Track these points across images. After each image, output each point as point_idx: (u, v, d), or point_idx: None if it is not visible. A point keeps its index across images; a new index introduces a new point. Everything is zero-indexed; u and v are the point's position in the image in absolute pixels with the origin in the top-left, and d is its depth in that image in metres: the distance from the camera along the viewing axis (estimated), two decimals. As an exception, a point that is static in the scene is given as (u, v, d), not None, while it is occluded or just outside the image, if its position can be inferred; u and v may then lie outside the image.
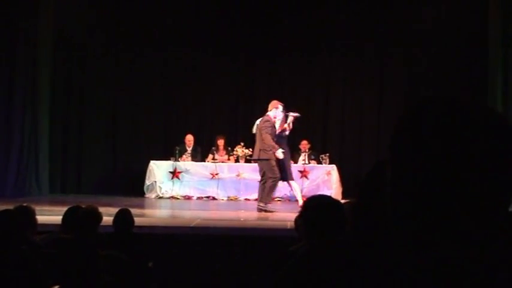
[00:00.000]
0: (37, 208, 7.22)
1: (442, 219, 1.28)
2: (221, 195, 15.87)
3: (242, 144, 16.41)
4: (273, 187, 13.20)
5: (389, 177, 1.36)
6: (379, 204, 2.00)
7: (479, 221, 1.27)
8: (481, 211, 1.27)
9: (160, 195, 15.88)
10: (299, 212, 4.13)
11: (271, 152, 12.95)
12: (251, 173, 15.88)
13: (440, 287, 1.26)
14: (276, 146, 12.90)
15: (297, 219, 4.62)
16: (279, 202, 15.48)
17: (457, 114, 1.30)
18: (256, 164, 16.02)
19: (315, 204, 4.06)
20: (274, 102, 13.32)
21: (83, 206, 6.92)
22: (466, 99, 1.35)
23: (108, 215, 7.99)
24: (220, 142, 16.78)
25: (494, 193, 1.28)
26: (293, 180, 13.64)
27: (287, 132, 13.36)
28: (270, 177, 13.05)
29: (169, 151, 16.53)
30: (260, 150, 13.09)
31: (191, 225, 10.83)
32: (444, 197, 1.27)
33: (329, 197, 4.39)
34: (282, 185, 15.63)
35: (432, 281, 1.27)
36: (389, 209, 1.36)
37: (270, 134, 12.97)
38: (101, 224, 6.99)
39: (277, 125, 13.11)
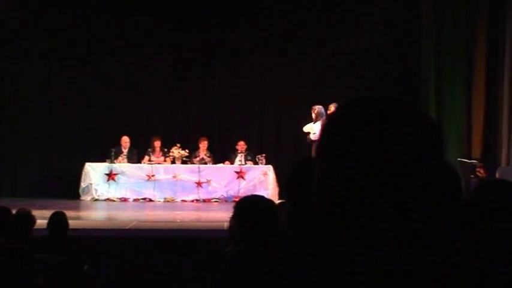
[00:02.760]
0: (-30, 212, 7.09)
1: (368, 219, 1.29)
2: (157, 196, 15.80)
3: (178, 145, 16.36)
4: None
5: (316, 176, 1.38)
6: (306, 202, 2.03)
7: (406, 221, 1.29)
8: (407, 212, 1.29)
9: (96, 198, 15.74)
10: (233, 212, 4.15)
11: None
12: (187, 174, 15.87)
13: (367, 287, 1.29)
14: None
15: (231, 220, 4.65)
16: (215, 203, 15.50)
17: (382, 114, 1.32)
18: (192, 166, 16.07)
19: (248, 205, 4.08)
20: None
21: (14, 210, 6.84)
22: (394, 98, 1.37)
23: (42, 218, 7.91)
24: (157, 143, 16.69)
25: (419, 193, 1.31)
26: None
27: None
28: None
29: (105, 153, 16.40)
30: None
31: (127, 228, 10.78)
32: (368, 196, 1.29)
33: (262, 197, 4.41)
34: (218, 186, 15.73)
35: (360, 282, 1.29)
36: (316, 205, 1.37)
37: None
38: (36, 227, 6.92)
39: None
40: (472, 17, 15.32)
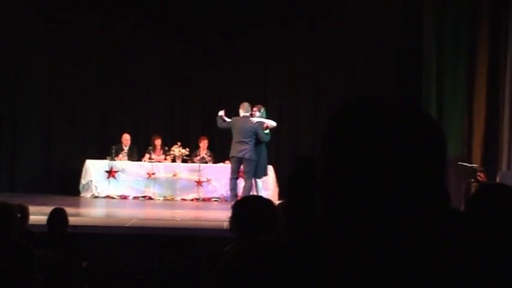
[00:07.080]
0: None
1: (371, 221, 1.29)
2: (157, 195, 15.79)
3: (179, 144, 16.37)
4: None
5: (319, 178, 1.37)
6: (307, 203, 2.02)
7: (409, 223, 1.29)
8: (410, 213, 1.29)
9: (96, 195, 15.73)
10: (232, 213, 4.16)
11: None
12: (187, 173, 15.86)
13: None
14: None
15: (230, 220, 4.66)
16: (215, 202, 15.50)
17: (385, 116, 1.31)
18: (192, 164, 16.02)
19: (246, 205, 4.08)
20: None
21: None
22: (396, 100, 1.36)
23: (42, 214, 7.92)
24: (157, 142, 16.69)
25: (422, 196, 1.30)
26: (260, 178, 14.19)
27: None
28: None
29: (106, 150, 16.40)
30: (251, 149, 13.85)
31: (127, 225, 10.79)
32: (371, 198, 1.29)
33: (260, 197, 4.42)
34: (218, 185, 15.72)
35: (362, 284, 1.29)
36: (319, 209, 1.37)
37: None
38: (35, 223, 6.93)
39: None
40: (474, 16, 15.25)
